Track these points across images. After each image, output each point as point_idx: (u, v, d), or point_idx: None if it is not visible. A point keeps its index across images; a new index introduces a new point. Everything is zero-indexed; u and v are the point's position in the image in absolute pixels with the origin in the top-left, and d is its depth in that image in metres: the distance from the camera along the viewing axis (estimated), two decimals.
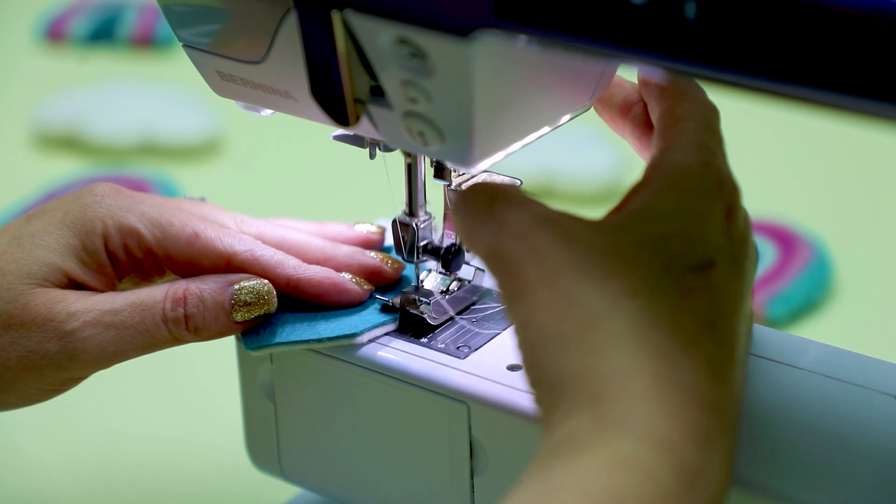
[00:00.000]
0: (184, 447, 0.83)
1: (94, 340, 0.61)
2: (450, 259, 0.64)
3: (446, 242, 0.65)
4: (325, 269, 0.65)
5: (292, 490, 0.74)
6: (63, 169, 1.14)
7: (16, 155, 1.20)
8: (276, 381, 0.67)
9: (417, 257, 0.65)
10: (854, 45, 0.43)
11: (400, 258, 0.66)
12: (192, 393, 0.88)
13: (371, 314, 0.65)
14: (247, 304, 0.63)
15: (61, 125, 1.20)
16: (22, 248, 0.63)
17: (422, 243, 0.65)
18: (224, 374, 0.78)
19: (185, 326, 0.62)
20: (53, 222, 0.63)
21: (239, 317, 0.63)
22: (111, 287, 0.64)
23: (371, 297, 0.66)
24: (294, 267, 0.65)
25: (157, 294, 0.62)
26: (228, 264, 0.64)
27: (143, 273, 0.65)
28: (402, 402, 0.62)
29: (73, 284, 0.63)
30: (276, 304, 0.64)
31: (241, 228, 0.66)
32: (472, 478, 0.62)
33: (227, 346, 0.69)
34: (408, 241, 0.64)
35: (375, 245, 0.68)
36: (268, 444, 0.68)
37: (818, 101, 0.45)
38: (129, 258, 0.64)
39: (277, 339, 0.64)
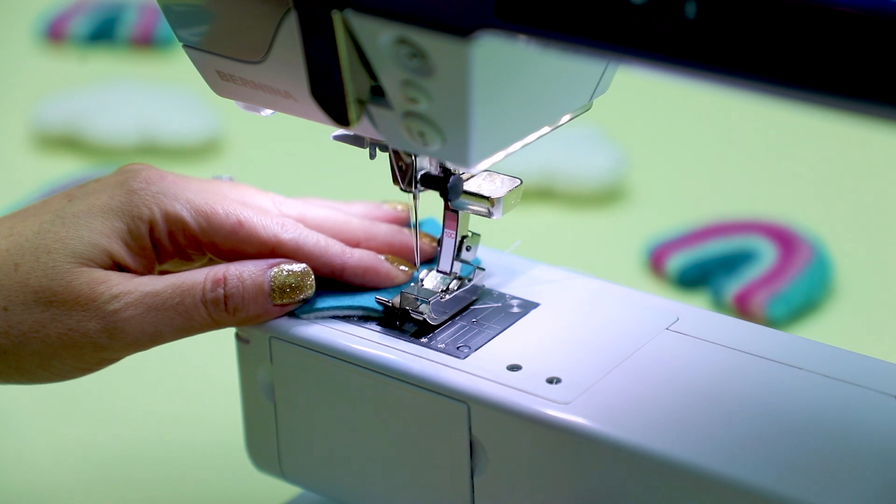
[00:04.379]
0: (184, 447, 0.83)
1: (134, 321, 0.62)
2: (449, 188, 0.64)
3: (446, 249, 0.65)
4: (367, 253, 0.66)
5: (292, 490, 0.74)
6: (63, 169, 1.14)
7: (16, 155, 1.20)
8: (276, 381, 0.67)
9: (415, 187, 0.64)
10: (854, 45, 0.43)
11: (398, 188, 0.65)
12: (192, 393, 0.88)
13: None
14: (286, 286, 0.64)
15: (61, 125, 1.20)
16: (67, 227, 0.63)
17: (420, 172, 0.64)
18: (224, 374, 0.78)
19: (225, 307, 0.63)
20: (98, 205, 0.64)
21: (277, 299, 0.64)
22: (151, 269, 0.65)
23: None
24: (338, 254, 0.66)
25: (198, 276, 0.63)
26: (273, 253, 0.65)
27: (184, 256, 0.66)
28: (402, 402, 0.62)
29: (116, 266, 0.64)
30: (314, 288, 0.65)
31: (281, 211, 0.67)
32: (472, 478, 0.62)
33: (227, 346, 0.69)
34: (406, 170, 0.64)
35: (403, 223, 0.69)
36: (268, 444, 0.68)
37: (818, 101, 0.45)
38: (174, 244, 0.65)
39: (328, 304, 0.65)
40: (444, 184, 0.64)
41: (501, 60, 0.53)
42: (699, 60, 0.46)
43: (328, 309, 0.65)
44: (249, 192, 0.67)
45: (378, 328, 0.65)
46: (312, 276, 0.65)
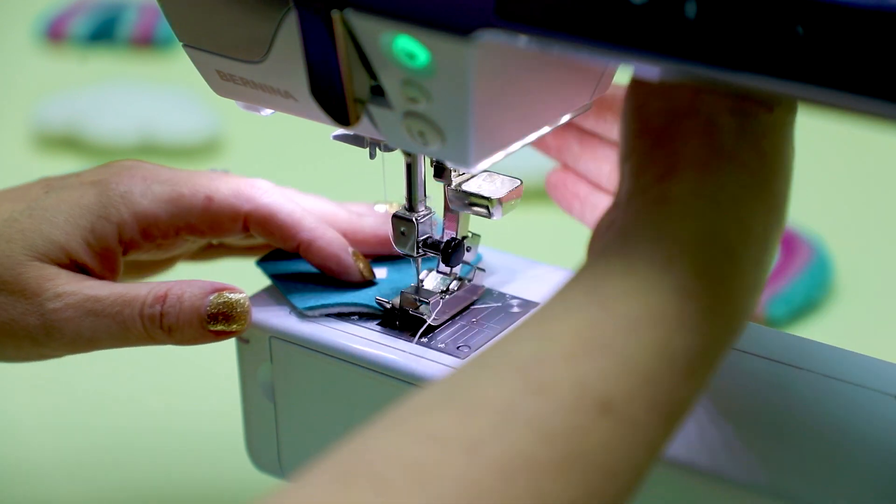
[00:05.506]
0: (184, 447, 0.83)
1: (71, 323, 0.62)
2: (450, 253, 0.65)
3: (446, 237, 0.65)
4: (337, 240, 0.66)
5: None
6: (63, 169, 1.13)
7: (16, 155, 1.20)
8: (276, 380, 0.67)
9: (417, 252, 0.65)
10: (854, 44, 0.43)
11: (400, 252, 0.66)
12: (191, 392, 0.88)
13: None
14: (221, 315, 0.63)
15: (61, 125, 1.20)
16: (32, 219, 0.64)
17: (421, 238, 0.65)
18: (224, 374, 0.78)
19: (160, 325, 0.63)
20: (68, 201, 0.64)
21: (212, 326, 0.63)
22: (112, 268, 0.65)
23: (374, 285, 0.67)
24: (309, 229, 0.66)
25: (143, 289, 0.63)
26: (248, 218, 0.65)
27: (165, 245, 0.66)
28: None
29: (74, 264, 0.64)
30: (250, 324, 0.64)
31: (250, 207, 0.67)
32: None
33: (227, 346, 0.69)
34: (407, 235, 0.64)
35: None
36: (268, 443, 0.68)
37: (818, 101, 0.45)
38: (149, 239, 0.65)
39: (332, 301, 0.65)
40: (447, 249, 0.65)
41: (501, 60, 0.53)
42: (699, 60, 0.46)
43: (332, 305, 0.65)
44: (240, 182, 0.68)
45: (378, 328, 0.65)
46: (251, 313, 0.64)
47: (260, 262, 0.69)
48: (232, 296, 0.64)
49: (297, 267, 0.68)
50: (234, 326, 0.64)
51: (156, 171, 0.66)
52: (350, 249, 0.67)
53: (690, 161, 0.50)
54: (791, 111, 0.52)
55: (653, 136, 0.51)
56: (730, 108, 0.50)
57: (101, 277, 0.65)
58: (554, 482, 0.44)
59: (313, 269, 0.68)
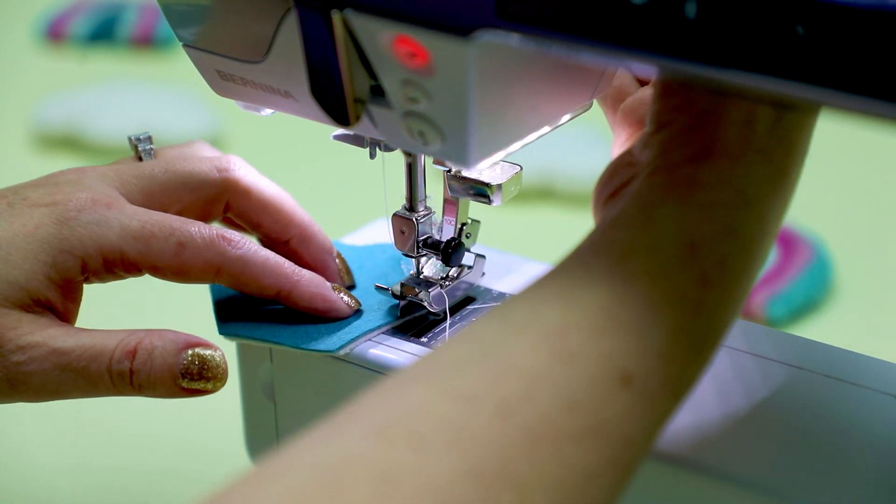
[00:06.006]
0: (183, 447, 0.83)
1: (37, 377, 0.59)
2: (450, 253, 0.65)
3: (446, 236, 0.65)
4: (315, 277, 0.64)
5: None
6: (62, 169, 1.14)
7: (16, 155, 1.20)
8: (276, 380, 0.67)
9: (417, 252, 0.65)
10: (854, 44, 0.43)
11: (400, 253, 0.66)
12: None
13: (374, 314, 0.65)
14: (197, 373, 0.60)
15: (61, 125, 1.20)
16: None
17: (421, 238, 0.65)
18: None
19: (130, 382, 0.60)
20: (23, 233, 0.60)
21: (185, 384, 0.60)
22: (73, 300, 0.62)
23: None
24: (289, 274, 0.64)
25: (111, 342, 0.60)
26: (219, 271, 0.62)
27: (122, 276, 0.63)
28: None
29: (37, 302, 0.60)
30: (226, 380, 0.61)
31: (225, 180, 0.66)
32: None
33: (227, 346, 0.69)
34: (407, 235, 0.65)
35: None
36: (268, 443, 0.68)
37: (818, 101, 0.45)
38: (112, 272, 0.62)
39: (355, 334, 0.63)
40: (447, 249, 0.64)
41: (501, 60, 0.53)
42: (699, 60, 0.46)
43: (357, 337, 0.64)
44: (187, 166, 0.66)
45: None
46: (227, 369, 0.61)
47: (223, 331, 0.65)
48: (206, 352, 0.61)
49: (254, 307, 0.66)
50: (210, 386, 0.61)
51: (114, 195, 0.63)
52: (330, 285, 0.65)
53: (725, 150, 0.51)
54: (818, 109, 0.53)
55: (694, 115, 0.52)
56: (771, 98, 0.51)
57: (62, 310, 0.61)
58: (577, 449, 0.45)
59: (272, 303, 0.65)
